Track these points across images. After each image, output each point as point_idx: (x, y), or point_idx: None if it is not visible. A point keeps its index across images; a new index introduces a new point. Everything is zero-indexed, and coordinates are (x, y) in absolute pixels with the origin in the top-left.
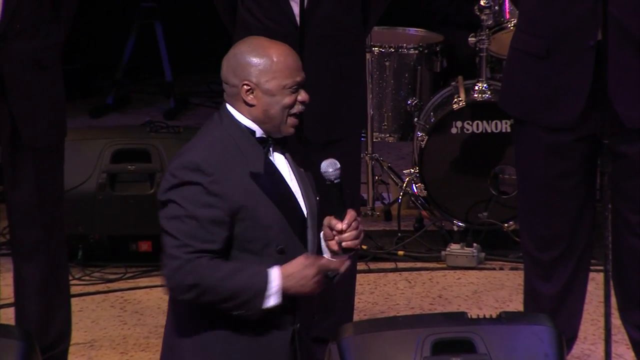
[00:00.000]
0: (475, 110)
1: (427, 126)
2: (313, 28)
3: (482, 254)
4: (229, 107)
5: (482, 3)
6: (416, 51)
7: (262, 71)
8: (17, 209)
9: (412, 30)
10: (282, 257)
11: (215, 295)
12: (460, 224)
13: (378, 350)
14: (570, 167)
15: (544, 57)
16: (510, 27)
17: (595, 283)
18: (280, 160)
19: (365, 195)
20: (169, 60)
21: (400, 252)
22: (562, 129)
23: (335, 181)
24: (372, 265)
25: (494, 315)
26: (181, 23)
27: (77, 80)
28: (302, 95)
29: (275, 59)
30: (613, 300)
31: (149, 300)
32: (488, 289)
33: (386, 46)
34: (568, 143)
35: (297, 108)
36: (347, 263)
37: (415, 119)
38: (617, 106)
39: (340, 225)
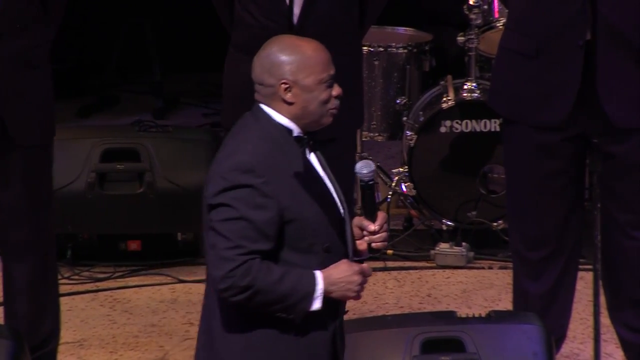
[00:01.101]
0: (464, 109)
1: (416, 125)
2: (310, 27)
3: (471, 253)
4: (264, 107)
5: (471, 2)
6: (405, 50)
7: (298, 68)
8: (5, 208)
9: (401, 30)
10: (328, 256)
11: (267, 297)
12: (449, 223)
13: (367, 349)
14: (559, 166)
15: (534, 57)
16: (499, 26)
17: (584, 282)
18: (314, 160)
19: (354, 194)
20: (158, 59)
21: (389, 251)
22: (551, 128)
23: (370, 182)
24: None
25: (483, 315)
26: (171, 22)
27: (66, 80)
28: (337, 90)
29: (308, 54)
30: (602, 299)
31: (138, 299)
32: (477, 288)
33: (375, 45)
34: (557, 142)
35: (334, 103)
36: None
37: (404, 118)
38: (606, 106)
39: (372, 227)
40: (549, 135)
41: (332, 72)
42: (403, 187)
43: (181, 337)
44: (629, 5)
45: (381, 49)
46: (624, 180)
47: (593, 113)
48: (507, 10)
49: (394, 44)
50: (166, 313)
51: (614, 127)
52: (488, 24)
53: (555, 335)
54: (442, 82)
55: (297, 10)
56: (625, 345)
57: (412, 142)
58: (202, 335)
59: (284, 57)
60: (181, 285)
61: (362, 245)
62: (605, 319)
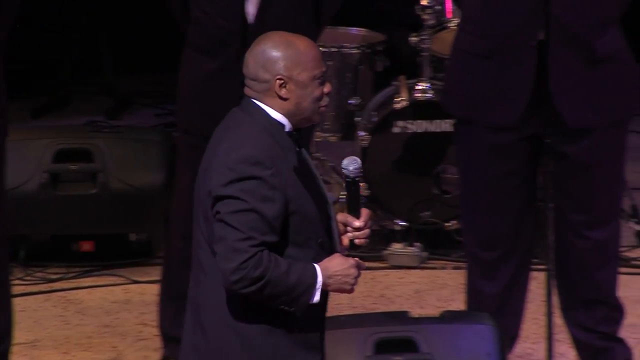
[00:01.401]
0: (418, 109)
1: (370, 126)
2: (265, 27)
3: (425, 253)
4: (257, 102)
5: (423, 2)
6: (358, 51)
7: (293, 63)
8: None
9: (354, 30)
10: (321, 250)
11: (275, 289)
12: (402, 223)
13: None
14: (513, 166)
15: (487, 57)
16: (451, 26)
17: (537, 282)
18: (305, 155)
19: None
20: (111, 59)
21: None
22: (505, 128)
23: (356, 179)
24: None
25: (437, 315)
26: (123, 22)
27: (19, 80)
28: (328, 87)
29: (302, 50)
30: (555, 299)
31: (92, 300)
32: (430, 288)
33: (328, 46)
34: (512, 143)
35: (325, 100)
36: None
37: (358, 119)
38: (559, 106)
39: (357, 223)
40: (503, 135)
41: (324, 69)
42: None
43: (134, 338)
44: (582, 5)
45: (334, 49)
46: (577, 180)
47: (547, 113)
48: (460, 11)
49: (346, 44)
50: (119, 314)
51: (567, 127)
52: (441, 25)
53: (509, 335)
54: (395, 83)
55: (252, 9)
56: (578, 344)
57: (365, 143)
58: (191, 334)
59: (278, 53)
60: (134, 285)
61: (344, 241)
62: (558, 319)
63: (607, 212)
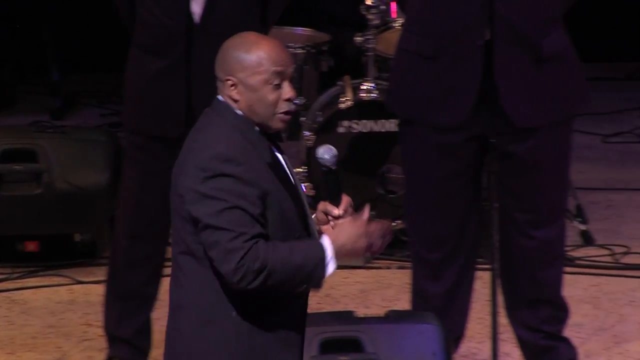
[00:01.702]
0: (363, 109)
1: (315, 125)
2: (211, 26)
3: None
4: (224, 101)
5: (368, 2)
6: (303, 51)
7: (244, 66)
8: None
9: (299, 30)
10: None
11: (282, 274)
12: None
13: None
14: (459, 167)
15: (433, 57)
16: (396, 26)
17: (482, 282)
18: (279, 153)
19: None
20: (56, 59)
21: None
22: (452, 129)
23: (333, 167)
24: None
25: (382, 314)
26: (68, 22)
27: None
28: (286, 92)
29: (258, 54)
30: (500, 298)
31: (36, 300)
32: (375, 288)
33: None
34: (458, 143)
35: (284, 106)
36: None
37: (303, 119)
38: (506, 105)
39: (337, 211)
40: (449, 135)
41: (281, 69)
42: (302, 187)
43: (79, 338)
44: (527, 4)
45: None
46: (523, 179)
47: (493, 113)
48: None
49: (291, 44)
50: (64, 314)
51: (513, 126)
52: (386, 25)
53: (454, 335)
54: (340, 83)
55: (198, 9)
56: (523, 344)
57: (310, 143)
58: (170, 337)
59: (234, 54)
60: (79, 286)
61: (327, 230)
62: (502, 319)
63: (553, 212)
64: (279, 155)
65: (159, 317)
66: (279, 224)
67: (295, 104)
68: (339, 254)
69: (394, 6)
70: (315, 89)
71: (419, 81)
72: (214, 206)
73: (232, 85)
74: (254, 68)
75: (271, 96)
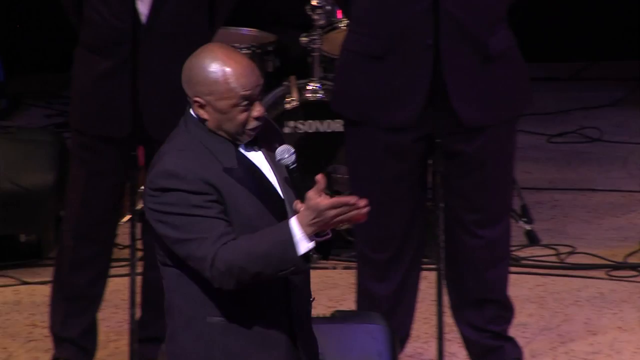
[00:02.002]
0: (308, 109)
1: None
2: (159, 27)
3: (316, 254)
4: (192, 112)
5: (314, 3)
6: (249, 51)
7: (212, 90)
8: None
9: (245, 30)
10: None
11: (252, 267)
12: None
13: None
14: (406, 168)
15: (381, 58)
16: (342, 27)
17: (428, 282)
18: (256, 156)
19: None
20: (1, 59)
21: None
22: (401, 129)
23: (292, 166)
24: None
25: (328, 315)
26: (13, 21)
27: None
28: (256, 111)
29: (224, 78)
30: (445, 298)
31: None
32: (321, 288)
33: None
34: (407, 144)
35: (253, 124)
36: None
37: None
38: (455, 104)
39: (299, 206)
40: (398, 136)
41: (249, 94)
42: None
43: (25, 339)
44: (473, 2)
45: None
46: (470, 179)
47: (442, 112)
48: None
49: (237, 44)
50: (9, 315)
51: (462, 125)
52: (331, 25)
53: (400, 335)
54: (285, 83)
55: (145, 10)
56: (469, 343)
57: None
58: (166, 340)
59: (201, 75)
60: (24, 286)
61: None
62: (448, 318)
63: (499, 211)
64: (253, 156)
65: (104, 317)
66: (237, 227)
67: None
68: (311, 230)
69: None
70: None
71: (368, 82)
72: (172, 221)
73: (199, 106)
74: (222, 94)
75: (241, 117)
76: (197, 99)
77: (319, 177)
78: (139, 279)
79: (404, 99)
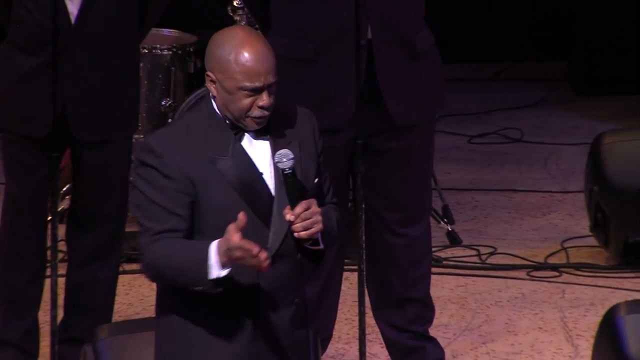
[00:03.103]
0: None
1: None
2: (88, 27)
3: None
4: (207, 89)
5: (235, 4)
6: (170, 52)
7: (223, 68)
8: None
9: (166, 31)
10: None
11: (168, 272)
12: None
13: (134, 351)
14: (337, 170)
15: (312, 61)
16: None
17: (349, 282)
18: (260, 146)
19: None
20: None
21: None
22: (333, 130)
23: (286, 172)
24: (127, 267)
25: None
26: None
27: None
28: (263, 100)
29: (237, 59)
30: (367, 299)
31: None
32: None
33: (140, 47)
34: (339, 146)
35: (257, 112)
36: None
37: (170, 120)
38: (387, 103)
39: (288, 216)
40: (333, 138)
41: (258, 83)
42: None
43: None
44: (399, 1)
45: (145, 51)
46: (392, 178)
47: (373, 111)
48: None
49: (158, 45)
50: None
51: (393, 123)
52: (252, 26)
53: (322, 336)
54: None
55: (75, 10)
56: (390, 344)
57: None
58: None
59: (218, 51)
60: None
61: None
62: (370, 319)
63: (421, 209)
64: (255, 147)
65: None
66: (209, 220)
67: (162, 105)
68: (224, 260)
69: None
70: (182, 90)
71: (297, 86)
72: (138, 198)
73: (211, 81)
74: (230, 74)
75: (245, 101)
76: (210, 73)
77: (241, 215)
78: (61, 280)
79: (337, 100)
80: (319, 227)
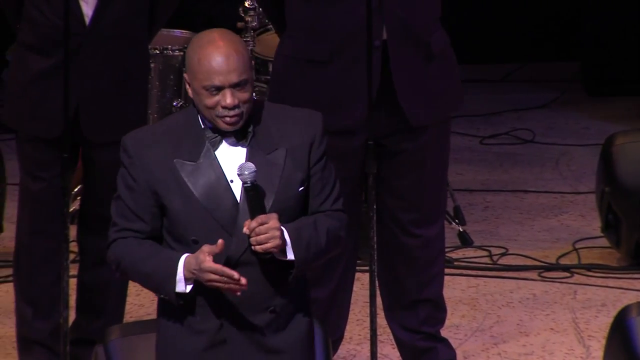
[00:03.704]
0: None
1: None
2: (102, 29)
3: None
4: None
5: (246, 4)
6: (181, 53)
7: (190, 68)
8: None
9: (177, 32)
10: (198, 247)
11: (134, 275)
12: None
13: (145, 352)
14: (351, 171)
15: (326, 62)
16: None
17: (360, 283)
18: (234, 152)
19: None
20: None
21: None
22: (348, 132)
23: (246, 185)
24: None
25: None
26: None
27: None
28: (228, 100)
29: (199, 59)
30: (378, 300)
31: None
32: None
33: (151, 48)
34: (354, 147)
35: (221, 112)
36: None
37: None
38: (403, 104)
39: (244, 229)
40: (348, 140)
41: (217, 82)
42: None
43: None
44: (415, 1)
45: (157, 51)
46: (408, 178)
47: (388, 112)
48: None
49: (169, 46)
50: None
51: (408, 124)
52: (264, 27)
53: (333, 337)
54: None
55: (89, 11)
56: (402, 345)
57: None
58: None
59: (189, 52)
60: None
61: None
62: (381, 320)
63: (436, 210)
64: (230, 153)
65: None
66: (172, 224)
67: (173, 105)
68: (191, 276)
69: None
70: None
71: (311, 87)
72: (116, 193)
73: (187, 83)
74: (195, 74)
75: (209, 101)
76: (185, 74)
77: (220, 242)
78: (72, 281)
79: (352, 101)
80: (275, 242)
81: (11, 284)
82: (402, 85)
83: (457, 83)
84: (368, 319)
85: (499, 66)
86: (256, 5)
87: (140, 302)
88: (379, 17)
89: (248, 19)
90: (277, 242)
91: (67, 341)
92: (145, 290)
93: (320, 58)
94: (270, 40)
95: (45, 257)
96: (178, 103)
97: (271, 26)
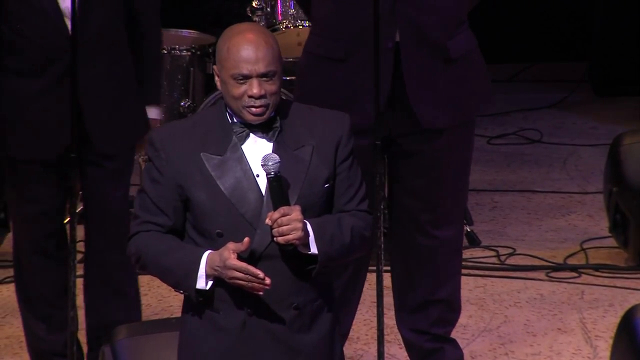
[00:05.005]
0: None
1: None
2: (86, 41)
3: None
4: None
5: (254, 4)
6: (189, 52)
7: (219, 58)
8: None
9: (185, 32)
10: (223, 240)
11: (154, 268)
12: None
13: (152, 352)
14: (364, 170)
15: (342, 60)
16: (282, 28)
17: (368, 283)
18: (262, 146)
19: None
20: None
21: None
22: (361, 131)
23: (269, 176)
24: None
25: None
26: None
27: None
28: (252, 89)
29: (229, 48)
30: (387, 300)
31: None
32: None
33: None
34: (366, 147)
35: (248, 101)
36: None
37: None
38: (414, 107)
39: (267, 220)
40: (360, 138)
41: (245, 71)
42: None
43: None
44: (433, 5)
45: (164, 51)
46: (426, 178)
47: (401, 114)
48: (290, 13)
49: (177, 46)
50: None
51: (421, 127)
52: (271, 27)
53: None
54: None
55: (67, 22)
56: (409, 346)
57: None
58: None
59: (219, 43)
60: None
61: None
62: (389, 320)
63: (454, 211)
64: (256, 146)
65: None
66: (198, 218)
67: (181, 105)
68: (213, 274)
69: (279, 8)
70: (201, 90)
71: (329, 84)
72: (142, 185)
73: (216, 74)
74: (224, 63)
75: (236, 90)
76: (214, 66)
77: (246, 240)
78: (79, 280)
79: (365, 100)
80: (297, 234)
81: None
82: (413, 88)
83: (483, 85)
84: (375, 319)
85: (506, 66)
86: (263, 5)
87: (147, 302)
88: (392, 19)
89: (256, 18)
90: (299, 233)
91: (74, 341)
92: (152, 291)
93: (336, 56)
94: (279, 40)
95: (48, 275)
96: (186, 103)
97: (279, 26)
